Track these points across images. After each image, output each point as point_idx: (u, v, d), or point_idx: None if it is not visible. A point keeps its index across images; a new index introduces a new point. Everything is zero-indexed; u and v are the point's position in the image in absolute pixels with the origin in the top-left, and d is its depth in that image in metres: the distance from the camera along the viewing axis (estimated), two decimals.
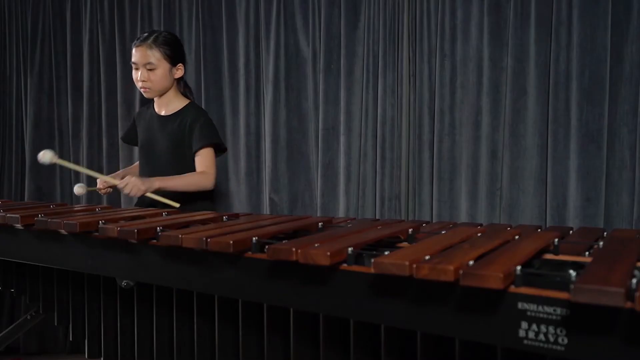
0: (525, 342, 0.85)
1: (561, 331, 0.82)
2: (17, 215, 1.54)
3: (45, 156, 1.86)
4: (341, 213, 2.51)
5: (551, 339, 0.83)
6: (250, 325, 1.31)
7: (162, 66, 1.93)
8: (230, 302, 1.33)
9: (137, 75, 1.95)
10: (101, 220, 1.46)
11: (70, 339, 1.76)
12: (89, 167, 2.86)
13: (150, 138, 2.09)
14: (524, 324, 0.85)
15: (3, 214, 1.59)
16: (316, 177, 2.57)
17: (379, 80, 2.45)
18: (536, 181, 2.27)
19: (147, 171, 2.11)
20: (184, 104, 2.05)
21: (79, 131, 2.90)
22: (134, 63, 1.95)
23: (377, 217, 2.44)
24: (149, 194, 1.88)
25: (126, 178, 1.86)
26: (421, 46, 2.40)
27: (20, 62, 2.95)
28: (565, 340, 0.82)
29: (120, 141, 2.81)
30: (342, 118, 2.51)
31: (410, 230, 1.32)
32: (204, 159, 1.94)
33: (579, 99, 2.20)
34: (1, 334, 2.21)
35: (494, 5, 2.30)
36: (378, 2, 2.45)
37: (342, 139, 2.51)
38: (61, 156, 2.91)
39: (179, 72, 2.02)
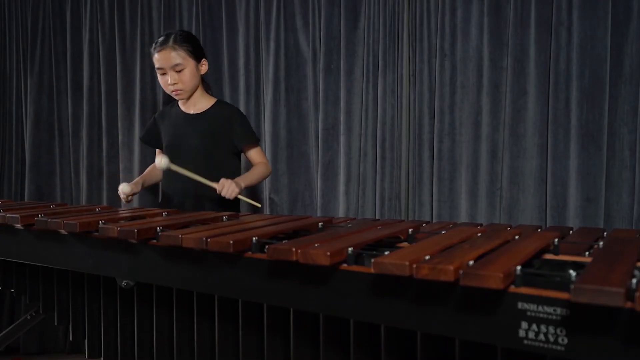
0: (525, 342, 0.85)
1: (561, 331, 0.82)
2: (17, 215, 1.54)
3: (163, 162, 1.80)
4: (341, 213, 2.51)
5: (551, 339, 0.83)
6: (250, 325, 1.31)
7: (190, 65, 1.91)
8: (231, 302, 1.33)
9: (165, 79, 1.91)
10: (101, 220, 1.46)
11: (70, 339, 1.76)
12: (89, 166, 2.86)
13: (179, 137, 2.07)
14: (524, 324, 0.85)
15: (3, 214, 1.59)
16: (316, 177, 2.57)
17: (379, 80, 2.45)
18: (536, 181, 2.27)
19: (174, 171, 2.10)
20: (213, 102, 2.05)
21: (79, 131, 2.90)
22: (160, 68, 1.91)
23: (377, 217, 2.44)
24: (239, 196, 1.89)
25: (221, 181, 1.83)
26: (421, 46, 2.40)
27: (20, 62, 2.94)
28: (565, 340, 0.82)
29: (120, 141, 2.81)
30: (342, 118, 2.51)
31: (410, 230, 1.32)
32: (258, 151, 2.02)
33: (579, 99, 2.20)
34: (1, 334, 2.21)
35: (494, 5, 2.30)
36: (378, 2, 2.45)
37: (342, 139, 2.51)
38: (61, 156, 2.92)
39: (203, 67, 2.01)
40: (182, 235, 1.26)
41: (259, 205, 2.01)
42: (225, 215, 1.65)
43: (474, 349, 0.98)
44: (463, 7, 2.34)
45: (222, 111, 2.05)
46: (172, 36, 1.93)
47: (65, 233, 1.46)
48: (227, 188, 1.81)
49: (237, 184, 1.86)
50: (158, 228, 1.35)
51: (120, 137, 2.82)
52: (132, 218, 1.57)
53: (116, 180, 2.84)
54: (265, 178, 2.11)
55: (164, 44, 1.91)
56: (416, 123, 2.42)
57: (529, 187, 2.28)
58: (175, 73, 1.90)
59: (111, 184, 2.84)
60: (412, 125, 2.43)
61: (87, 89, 2.86)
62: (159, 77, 1.96)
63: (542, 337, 0.83)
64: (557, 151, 2.25)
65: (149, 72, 2.76)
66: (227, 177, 1.91)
